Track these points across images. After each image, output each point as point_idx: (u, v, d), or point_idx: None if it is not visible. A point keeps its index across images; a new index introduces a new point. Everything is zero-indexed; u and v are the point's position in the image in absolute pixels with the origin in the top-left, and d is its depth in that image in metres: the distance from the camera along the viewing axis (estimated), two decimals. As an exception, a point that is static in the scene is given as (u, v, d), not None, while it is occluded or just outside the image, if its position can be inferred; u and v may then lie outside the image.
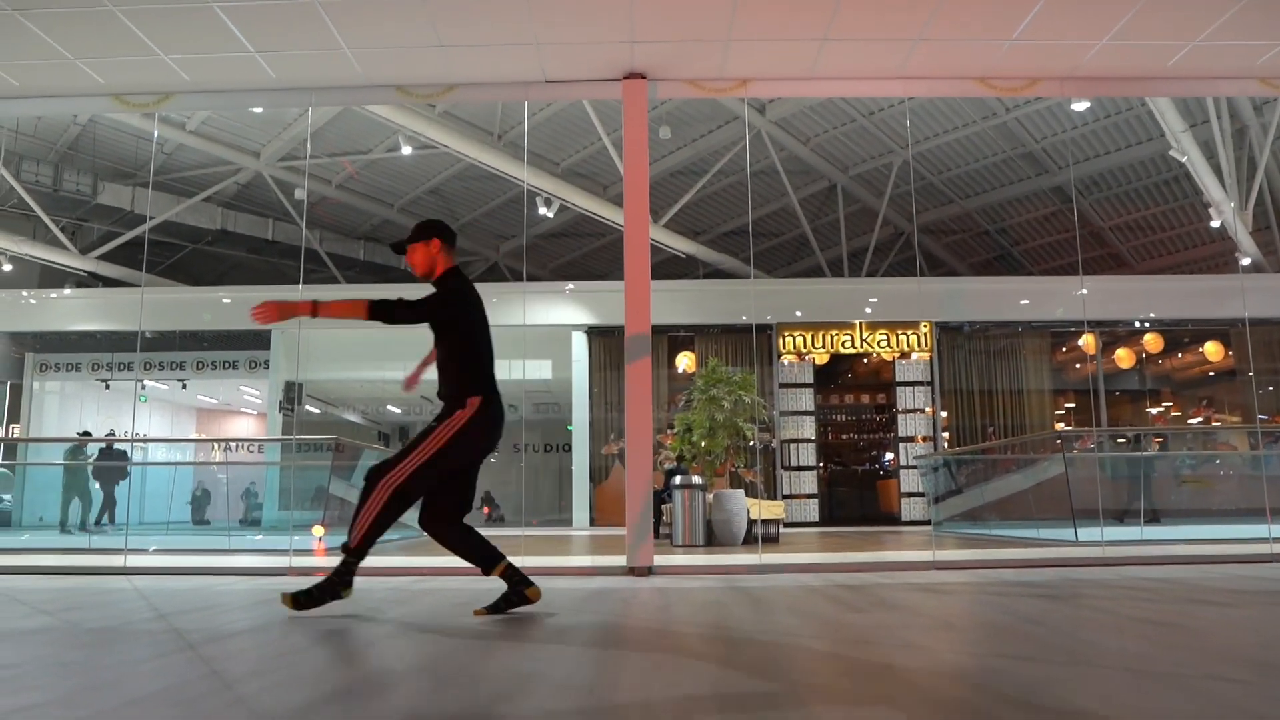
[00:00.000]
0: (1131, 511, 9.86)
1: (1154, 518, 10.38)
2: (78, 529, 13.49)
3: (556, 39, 6.04)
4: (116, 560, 6.56)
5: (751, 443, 11.01)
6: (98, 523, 13.84)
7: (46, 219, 16.10)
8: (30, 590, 5.12)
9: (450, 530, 4.11)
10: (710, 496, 10.05)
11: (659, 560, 6.13)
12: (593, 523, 15.60)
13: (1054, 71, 6.61)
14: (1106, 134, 15.32)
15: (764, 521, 10.42)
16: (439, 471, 3.95)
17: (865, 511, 16.37)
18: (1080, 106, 13.20)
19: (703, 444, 11.36)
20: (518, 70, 6.42)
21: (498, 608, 4.02)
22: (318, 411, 19.36)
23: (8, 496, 16.62)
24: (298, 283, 19.17)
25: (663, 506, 11.88)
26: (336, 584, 3.94)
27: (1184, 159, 12.81)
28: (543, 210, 14.51)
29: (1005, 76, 6.59)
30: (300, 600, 3.90)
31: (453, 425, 3.94)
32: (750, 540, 9.99)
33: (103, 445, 14.93)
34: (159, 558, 7.46)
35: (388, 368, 17.84)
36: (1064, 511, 9.82)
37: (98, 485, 13.97)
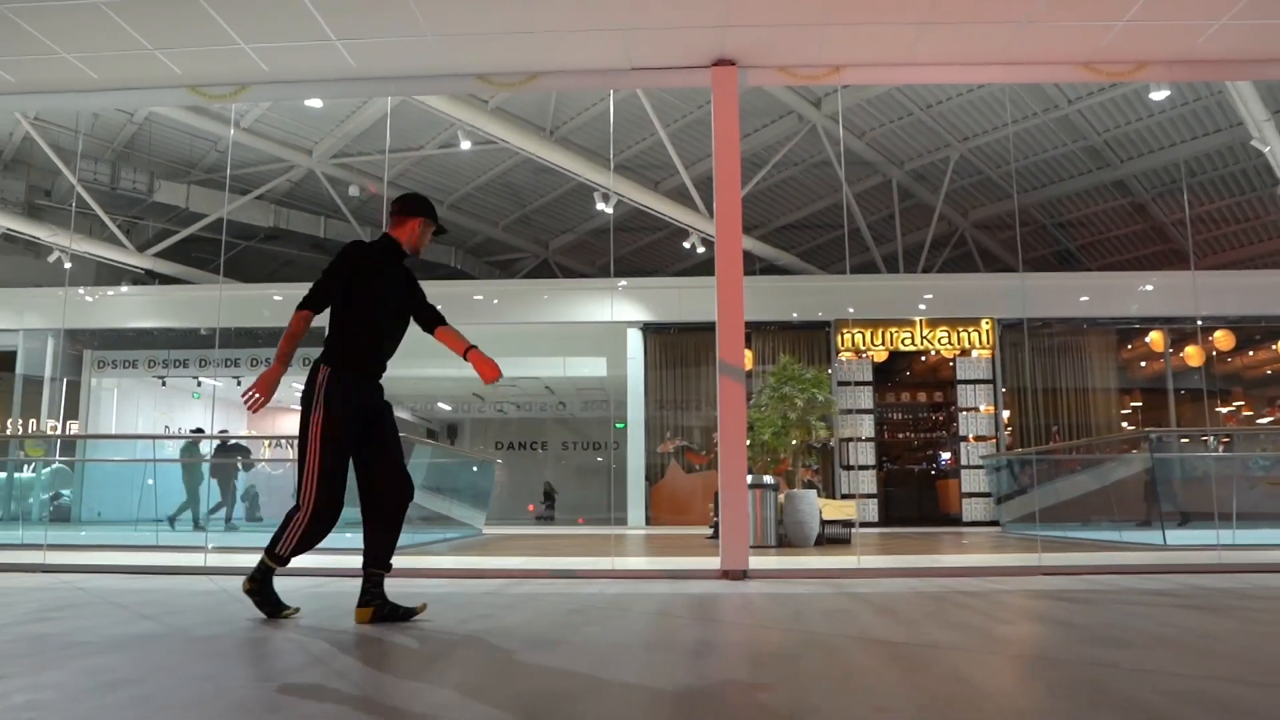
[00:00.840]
0: (1224, 514, 9.48)
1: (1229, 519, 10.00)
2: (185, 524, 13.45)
3: (647, 24, 5.84)
4: (197, 559, 6.48)
5: (821, 442, 10.79)
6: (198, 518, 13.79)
7: (105, 217, 16.17)
8: (121, 591, 5.00)
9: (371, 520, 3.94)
10: (782, 497, 9.82)
11: (706, 563, 5.94)
12: (648, 521, 15.40)
13: (1163, 55, 6.30)
14: (1174, 125, 14.88)
15: (835, 523, 10.18)
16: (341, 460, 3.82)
17: (925, 512, 16.03)
18: (1159, 95, 12.79)
19: (764, 441, 11.15)
20: (603, 58, 6.23)
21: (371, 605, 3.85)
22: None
23: (68, 492, 16.72)
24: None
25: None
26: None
27: (1266, 149, 12.37)
28: (600, 205, 14.31)
29: (1112, 60, 6.29)
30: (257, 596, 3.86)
31: (306, 402, 3.83)
32: (821, 541, 9.75)
33: (219, 442, 14.88)
34: (237, 557, 7.36)
35: (438, 365, 17.76)
36: (1144, 513, 9.49)
37: (215, 482, 13.90)
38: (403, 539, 8.33)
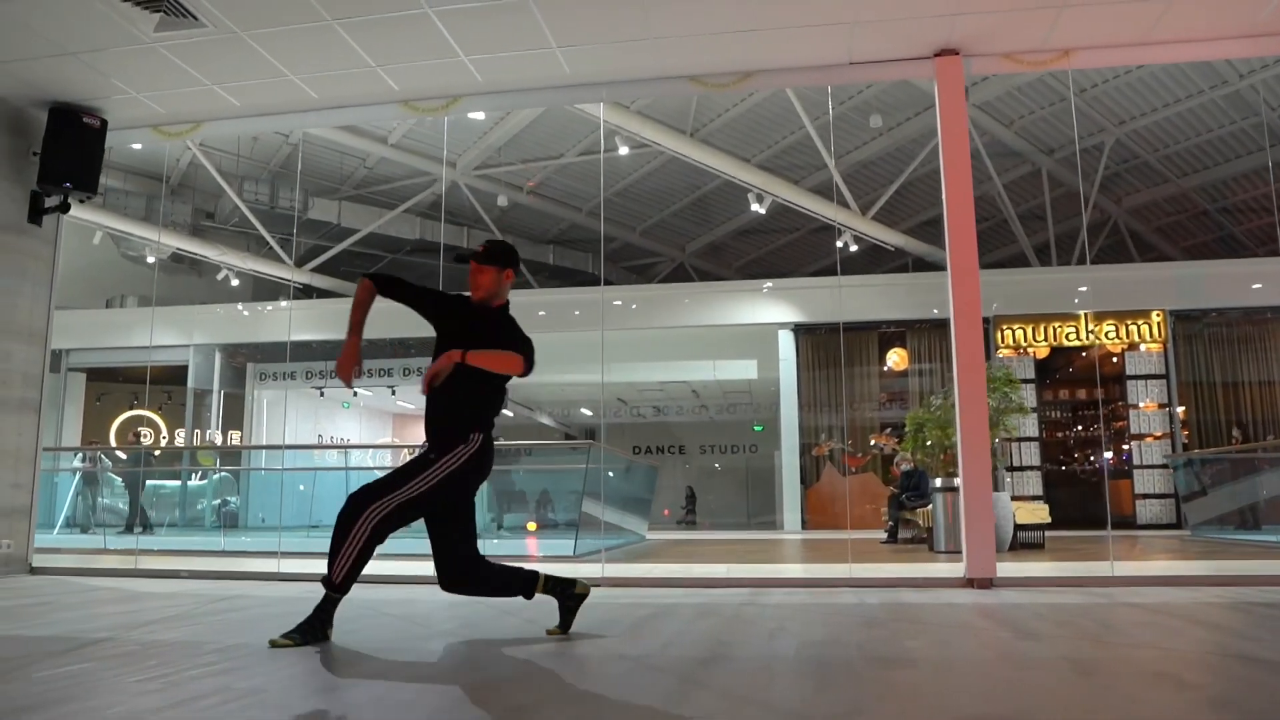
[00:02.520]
0: None
1: None
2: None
3: (872, 17, 5.66)
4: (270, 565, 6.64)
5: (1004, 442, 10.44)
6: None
7: (267, 235, 16.79)
8: (383, 601, 5.07)
9: (474, 577, 3.69)
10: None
11: (948, 571, 5.69)
12: (804, 525, 15.13)
13: None
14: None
15: (1029, 527, 9.78)
16: (427, 509, 3.61)
17: (1093, 514, 15.31)
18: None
19: (928, 442, 10.86)
20: (822, 53, 6.07)
21: (566, 624, 3.74)
22: (511, 415, 19.60)
23: (234, 499, 17.41)
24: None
25: (900, 510, 11.37)
26: (317, 624, 3.53)
27: None
28: (755, 206, 14.14)
29: (1378, 27, 5.82)
30: (290, 637, 3.49)
31: (454, 460, 3.58)
32: (1014, 546, 9.37)
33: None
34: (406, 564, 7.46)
35: (577, 371, 17.91)
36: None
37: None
38: (581, 545, 8.38)
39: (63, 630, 3.88)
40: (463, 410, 3.66)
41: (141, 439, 17.59)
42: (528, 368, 3.65)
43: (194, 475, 17.28)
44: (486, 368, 3.61)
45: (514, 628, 3.90)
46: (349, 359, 3.75)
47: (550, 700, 2.45)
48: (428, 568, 3.73)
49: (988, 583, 5.52)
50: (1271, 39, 5.96)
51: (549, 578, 3.76)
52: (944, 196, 6.05)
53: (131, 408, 19.07)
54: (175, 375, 18.34)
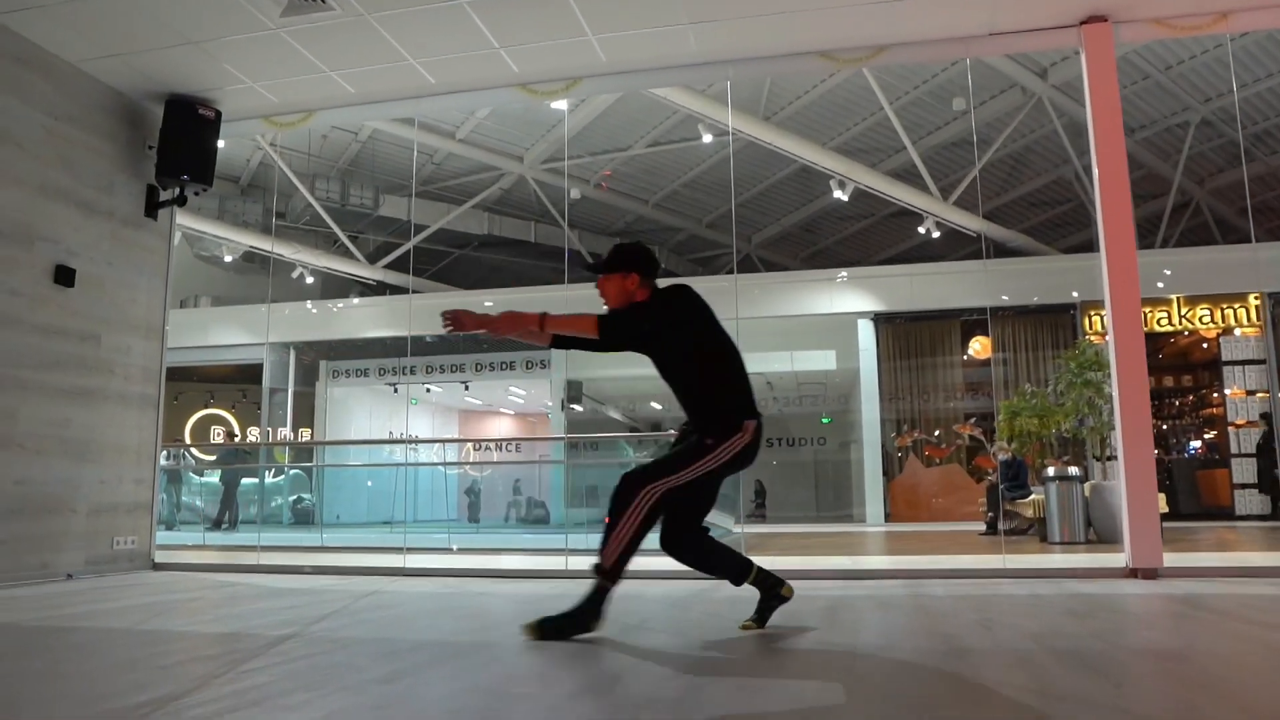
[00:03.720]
0: None
1: None
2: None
3: (1021, -20, 5.41)
4: (395, 560, 6.53)
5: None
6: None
7: (340, 233, 16.82)
8: (414, 596, 4.93)
9: (694, 546, 3.58)
10: (1088, 488, 9.17)
11: (1063, 560, 5.43)
12: (888, 518, 14.83)
13: None
14: None
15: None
16: (693, 495, 3.51)
17: (1189, 504, 14.86)
18: None
19: (1026, 431, 10.60)
20: (961, 23, 5.82)
21: (763, 618, 3.56)
22: (581, 409, 19.50)
23: (309, 496, 17.49)
24: (555, 283, 19.40)
25: (1000, 502, 11.06)
26: (588, 615, 3.37)
27: None
28: (837, 193, 13.85)
29: None
30: (546, 630, 3.34)
31: (731, 448, 3.41)
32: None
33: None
34: (433, 557, 7.36)
35: (645, 364, 17.70)
36: None
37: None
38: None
39: (236, 627, 3.77)
40: (712, 405, 3.51)
41: (234, 438, 17.75)
42: (605, 333, 3.44)
43: (268, 472, 17.41)
44: (563, 331, 3.47)
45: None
46: (474, 321, 3.46)
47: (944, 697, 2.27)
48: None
49: (1153, 573, 5.25)
50: None
51: (760, 570, 3.59)
52: (1095, 174, 5.80)
53: (206, 406, 19.24)
54: (248, 374, 18.46)
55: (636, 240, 3.83)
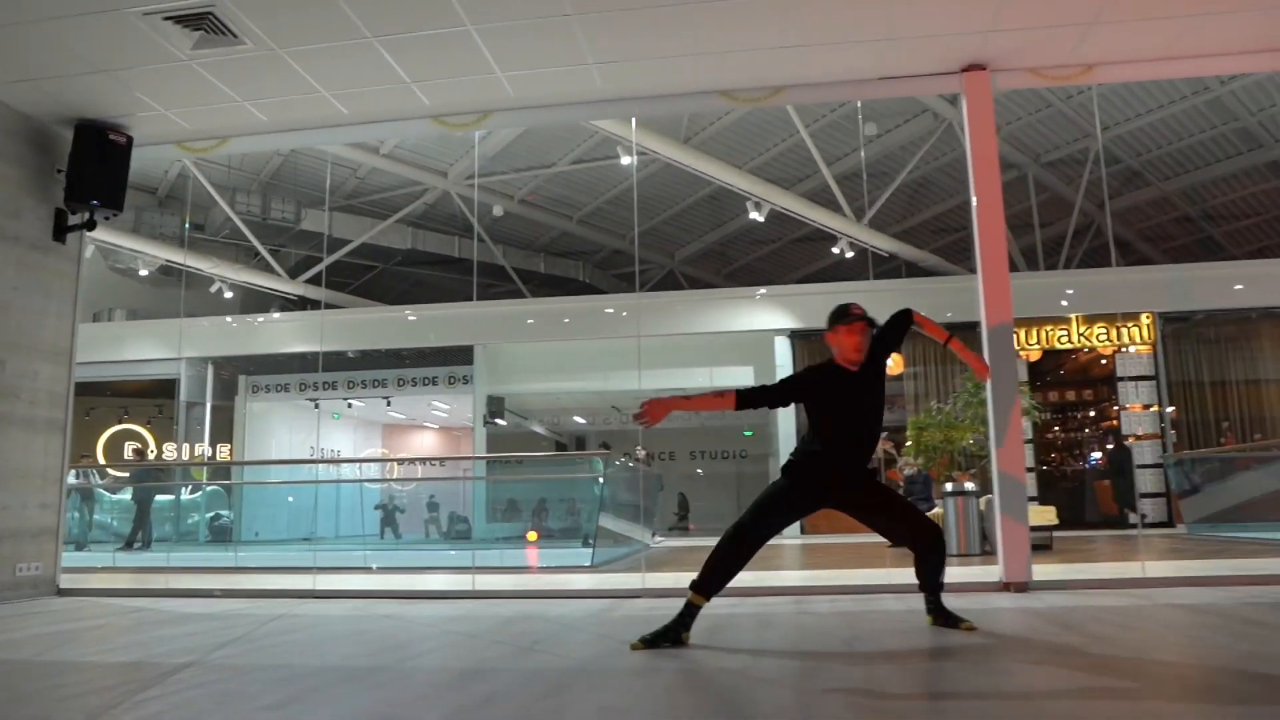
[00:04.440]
0: None
1: None
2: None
3: (905, 34, 5.76)
4: (305, 582, 6.69)
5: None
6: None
7: (260, 246, 16.70)
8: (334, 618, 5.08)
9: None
10: (983, 502, 9.62)
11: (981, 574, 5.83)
12: (803, 530, 15.23)
13: None
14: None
15: (1037, 529, 9.92)
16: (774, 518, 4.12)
17: (1087, 513, 15.57)
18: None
19: (931, 446, 11.04)
20: (853, 68, 6.17)
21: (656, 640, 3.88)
22: (504, 424, 19.59)
23: (227, 513, 17.27)
24: (470, 298, 19.49)
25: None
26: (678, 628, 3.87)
27: None
28: (753, 214, 14.25)
29: (1393, 39, 6.00)
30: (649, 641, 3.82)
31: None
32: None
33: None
34: (343, 577, 7.48)
35: (575, 379, 17.92)
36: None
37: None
38: (599, 555, 8.48)
39: (138, 656, 3.87)
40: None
41: (149, 454, 17.42)
42: (741, 402, 4.13)
43: (185, 489, 17.14)
44: (702, 409, 4.31)
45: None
46: (663, 408, 3.89)
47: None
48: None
49: (1024, 586, 5.63)
50: (1291, 52, 6.12)
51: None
52: (974, 208, 6.18)
53: (120, 421, 18.86)
54: (164, 389, 18.16)
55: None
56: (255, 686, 3.07)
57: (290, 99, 6.42)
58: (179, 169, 16.23)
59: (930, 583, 4.23)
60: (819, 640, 3.92)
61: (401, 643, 4.10)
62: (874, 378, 4.15)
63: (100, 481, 15.30)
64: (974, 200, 6.15)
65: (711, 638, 3.95)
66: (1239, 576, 5.74)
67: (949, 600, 4.21)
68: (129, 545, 13.31)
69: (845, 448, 4.09)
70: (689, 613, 3.89)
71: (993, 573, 5.84)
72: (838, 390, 4.05)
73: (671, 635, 3.81)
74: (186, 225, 16.78)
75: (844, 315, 4.05)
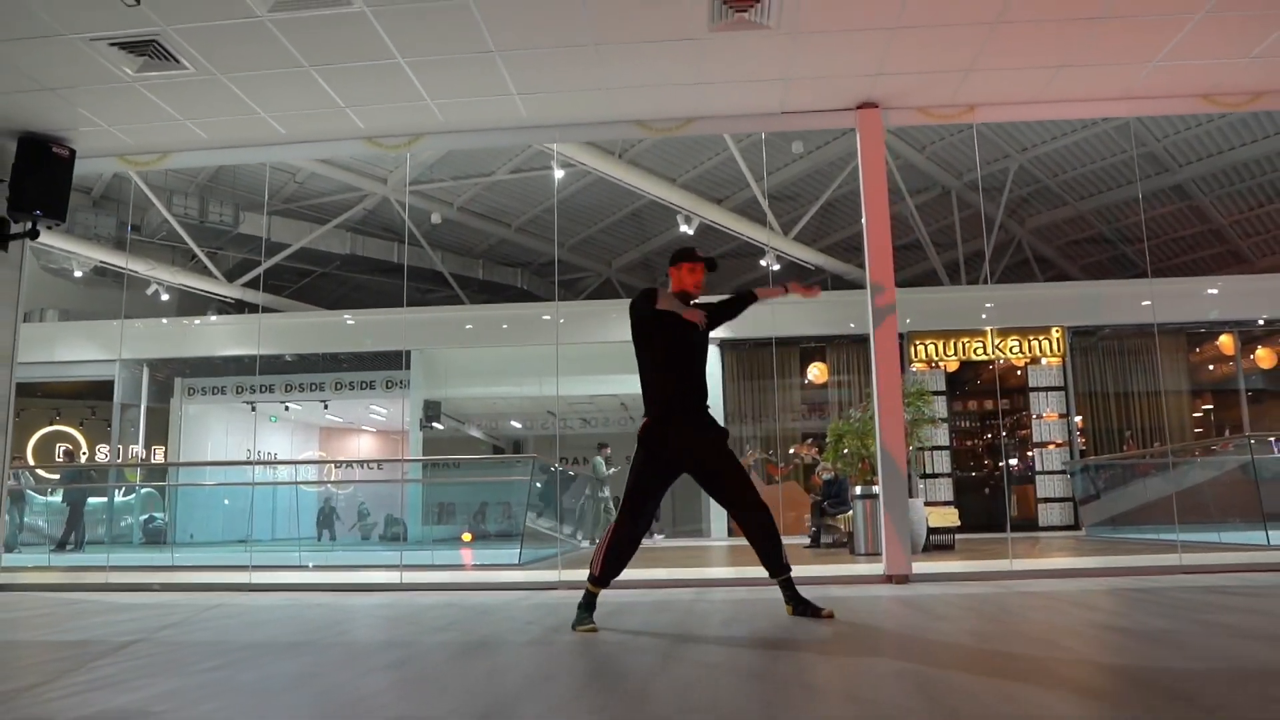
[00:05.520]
0: None
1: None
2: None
3: (805, 74, 6.33)
4: (241, 577, 7.06)
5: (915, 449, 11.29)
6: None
7: (198, 250, 16.82)
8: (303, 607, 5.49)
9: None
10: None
11: (868, 569, 6.39)
12: (730, 533, 15.83)
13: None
14: (1233, 129, 15.22)
15: (940, 530, 10.60)
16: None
17: (1000, 517, 16.38)
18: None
19: (846, 451, 11.62)
20: (758, 103, 6.73)
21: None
22: (441, 428, 19.91)
23: (161, 515, 17.33)
24: (422, 304, 19.81)
25: (823, 517, 12.12)
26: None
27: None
28: (684, 228, 14.82)
29: (1232, 93, 6.73)
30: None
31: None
32: (927, 548, 10.17)
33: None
34: (278, 573, 7.80)
35: (509, 383, 18.32)
36: (1242, 514, 9.81)
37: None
38: (526, 554, 8.89)
39: (87, 636, 4.25)
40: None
41: (81, 456, 17.39)
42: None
43: (118, 491, 17.16)
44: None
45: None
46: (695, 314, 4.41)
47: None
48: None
49: (904, 579, 6.22)
50: (1145, 101, 6.84)
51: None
52: (865, 231, 6.76)
53: (52, 423, 18.80)
54: (98, 390, 18.16)
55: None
56: (196, 655, 3.49)
57: (230, 119, 6.79)
58: (114, 169, 16.28)
59: (773, 565, 4.42)
60: (698, 623, 4.42)
61: (329, 624, 4.52)
62: (703, 334, 4.65)
63: (29, 482, 15.31)
64: (865, 226, 6.74)
65: (608, 619, 4.43)
66: (1090, 569, 6.40)
67: (838, 590, 4.69)
68: (61, 547, 13.40)
69: (679, 379, 4.50)
70: (588, 601, 4.31)
71: (879, 568, 6.42)
72: (677, 320, 4.49)
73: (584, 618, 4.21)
74: (128, 228, 16.79)
75: (692, 254, 4.76)
